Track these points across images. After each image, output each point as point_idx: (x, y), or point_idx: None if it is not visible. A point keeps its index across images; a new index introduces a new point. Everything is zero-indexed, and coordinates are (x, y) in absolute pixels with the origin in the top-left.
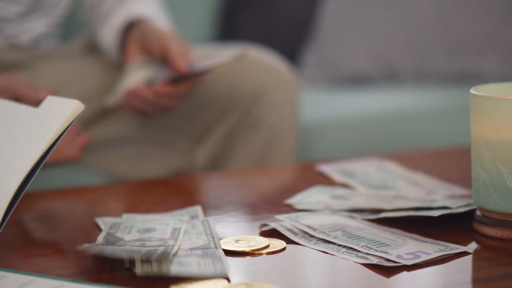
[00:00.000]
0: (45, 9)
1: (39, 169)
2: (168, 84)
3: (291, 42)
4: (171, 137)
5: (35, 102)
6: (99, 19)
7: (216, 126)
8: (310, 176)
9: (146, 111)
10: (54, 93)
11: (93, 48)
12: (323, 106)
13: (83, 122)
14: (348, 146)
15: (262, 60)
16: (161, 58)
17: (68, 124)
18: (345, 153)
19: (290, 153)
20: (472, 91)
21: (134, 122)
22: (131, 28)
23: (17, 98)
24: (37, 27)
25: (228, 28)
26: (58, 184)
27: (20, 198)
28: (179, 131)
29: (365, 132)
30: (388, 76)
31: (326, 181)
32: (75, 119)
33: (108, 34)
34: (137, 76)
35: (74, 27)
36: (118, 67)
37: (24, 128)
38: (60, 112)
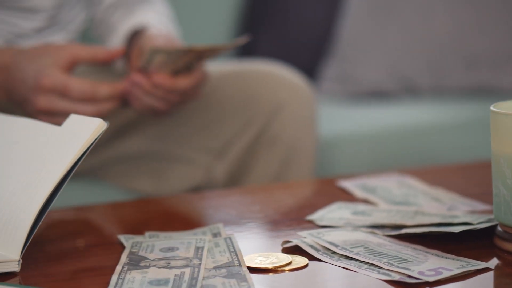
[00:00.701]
0: (62, 24)
1: (63, 187)
2: (164, 74)
3: (309, 57)
4: (191, 153)
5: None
6: (108, 32)
7: (235, 140)
8: (331, 192)
9: (147, 103)
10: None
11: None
12: (341, 120)
13: (103, 138)
14: (367, 160)
15: (280, 74)
16: None
17: (91, 142)
18: (364, 167)
19: (308, 167)
20: (492, 108)
21: (153, 137)
22: (135, 36)
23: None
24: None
25: (247, 44)
26: (79, 199)
27: (44, 217)
28: (199, 146)
29: (383, 146)
30: (406, 91)
31: (347, 196)
32: (98, 137)
33: (114, 44)
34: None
35: (90, 42)
36: None
37: (48, 146)
38: (83, 130)
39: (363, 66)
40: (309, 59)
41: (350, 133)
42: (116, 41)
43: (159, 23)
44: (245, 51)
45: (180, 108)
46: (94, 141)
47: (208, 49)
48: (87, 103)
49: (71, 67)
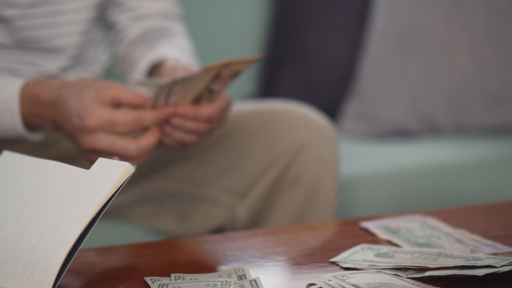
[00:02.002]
0: (86, 63)
1: (90, 231)
2: (186, 104)
3: (331, 95)
4: (214, 193)
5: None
6: (130, 68)
7: (257, 181)
8: (354, 233)
9: (178, 138)
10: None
11: None
12: (363, 159)
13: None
14: (388, 199)
15: (301, 113)
16: None
17: (119, 186)
18: (385, 206)
19: (330, 207)
20: None
21: (177, 178)
22: (154, 70)
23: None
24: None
25: (269, 84)
26: (103, 239)
27: (72, 259)
28: (222, 187)
29: (405, 185)
30: (428, 129)
31: (370, 238)
32: (125, 181)
33: (135, 77)
34: None
35: (114, 79)
36: None
37: (76, 189)
38: (110, 174)
39: (384, 104)
40: (331, 97)
41: (372, 172)
42: (137, 76)
43: (178, 55)
44: (267, 89)
45: (208, 136)
46: (122, 184)
47: (225, 65)
48: (130, 141)
49: (112, 107)
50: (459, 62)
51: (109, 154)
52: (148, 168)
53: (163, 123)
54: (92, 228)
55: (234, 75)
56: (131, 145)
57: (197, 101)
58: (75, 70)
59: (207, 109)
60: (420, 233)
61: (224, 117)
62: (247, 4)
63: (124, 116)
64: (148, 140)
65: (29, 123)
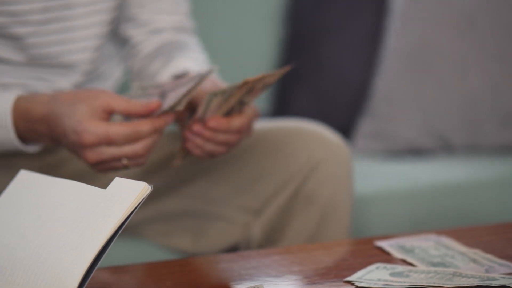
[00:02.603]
0: (101, 78)
1: (107, 251)
2: (221, 117)
3: (345, 113)
4: (229, 211)
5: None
6: (148, 81)
7: (272, 199)
8: (369, 252)
9: (208, 150)
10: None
11: None
12: (376, 177)
13: None
14: (402, 217)
15: (316, 132)
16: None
17: (135, 206)
18: (399, 224)
19: (345, 225)
20: None
21: (192, 196)
22: None
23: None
24: None
25: (283, 102)
26: (117, 256)
27: (89, 279)
28: (237, 206)
29: (419, 204)
30: (442, 148)
31: (385, 257)
32: (142, 201)
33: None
34: None
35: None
36: (172, 137)
37: (92, 209)
38: (127, 193)
39: (398, 123)
40: (345, 116)
41: (386, 190)
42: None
43: (198, 68)
44: (281, 107)
45: (237, 146)
46: (138, 204)
47: (260, 78)
48: (134, 143)
49: (107, 117)
50: (472, 81)
51: (117, 160)
52: (162, 186)
53: (158, 131)
54: (108, 248)
55: (265, 87)
56: (137, 145)
57: (228, 113)
58: (89, 86)
59: (238, 121)
60: (434, 253)
61: (251, 128)
62: (261, 22)
63: (120, 130)
64: (152, 139)
65: (26, 137)
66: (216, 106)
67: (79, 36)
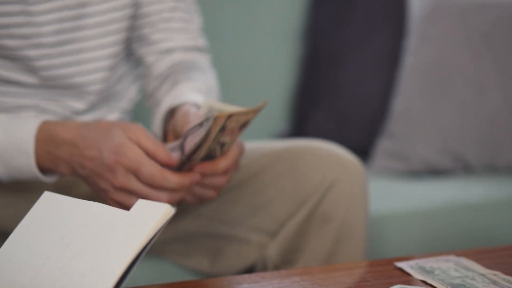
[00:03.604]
0: (114, 98)
1: (130, 273)
2: (204, 162)
3: (363, 133)
4: (246, 232)
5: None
6: (155, 106)
7: (288, 219)
8: (389, 273)
9: (198, 195)
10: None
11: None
12: (393, 197)
13: None
14: (419, 237)
15: (331, 152)
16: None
17: (159, 228)
18: (416, 245)
19: (360, 245)
20: None
21: (210, 217)
22: (171, 114)
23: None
24: (103, 117)
25: (301, 121)
26: (137, 275)
27: None
28: (254, 227)
29: (436, 223)
30: (459, 167)
31: (405, 278)
32: (165, 223)
33: (157, 124)
34: None
35: (145, 115)
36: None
37: (116, 230)
38: (151, 216)
39: (415, 142)
40: (363, 135)
41: (403, 210)
42: (157, 119)
43: (195, 98)
44: (298, 127)
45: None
46: (162, 226)
47: (226, 116)
48: (159, 192)
49: None
50: (489, 101)
51: (139, 196)
52: (180, 207)
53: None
54: (132, 270)
55: (243, 126)
56: (163, 196)
57: (211, 156)
58: (103, 105)
59: (223, 163)
60: (455, 274)
61: (239, 165)
62: (280, 40)
63: (149, 168)
64: (178, 196)
65: (42, 162)
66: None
67: (91, 57)
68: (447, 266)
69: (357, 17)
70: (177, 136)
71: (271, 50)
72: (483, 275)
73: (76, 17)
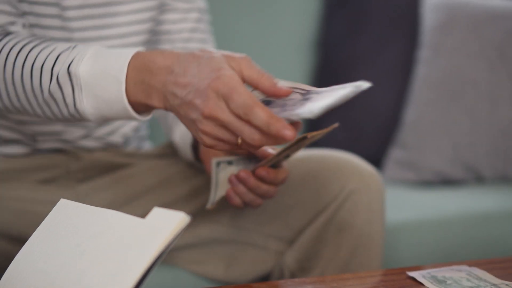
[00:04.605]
0: None
1: (145, 281)
2: (269, 168)
3: (375, 142)
4: (263, 240)
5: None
6: (171, 121)
7: (305, 228)
8: (402, 282)
9: (247, 200)
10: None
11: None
12: (406, 206)
13: None
14: (432, 247)
15: (349, 162)
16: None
17: (174, 236)
18: (429, 254)
19: (377, 255)
20: None
21: (226, 224)
22: None
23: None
24: (122, 130)
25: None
26: (149, 283)
27: None
28: (271, 234)
29: (448, 233)
30: (471, 177)
31: (417, 287)
32: (180, 231)
33: (180, 132)
34: (227, 176)
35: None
36: (201, 169)
37: (132, 238)
38: (166, 224)
39: (427, 152)
40: (375, 145)
41: (415, 220)
42: (181, 131)
43: None
44: None
45: (267, 198)
46: (177, 235)
47: (311, 137)
48: (250, 126)
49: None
50: (501, 111)
51: (228, 128)
52: (195, 214)
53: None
54: (147, 278)
55: (310, 143)
56: (255, 135)
57: (274, 165)
58: (118, 122)
59: (283, 174)
60: (467, 284)
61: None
62: (292, 51)
63: (242, 96)
64: (269, 149)
65: (134, 93)
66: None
67: None
68: (459, 276)
69: (370, 28)
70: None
71: (284, 61)
72: (495, 285)
73: (101, 26)
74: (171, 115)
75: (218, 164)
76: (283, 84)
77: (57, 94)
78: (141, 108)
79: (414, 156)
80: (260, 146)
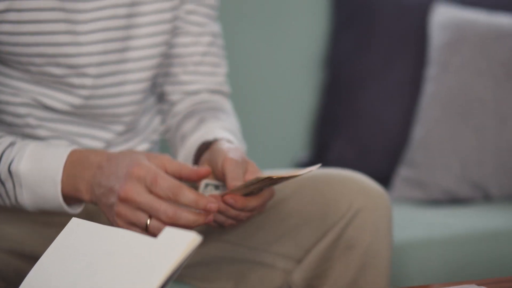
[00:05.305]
0: (137, 131)
1: None
2: (239, 196)
3: (383, 160)
4: (271, 258)
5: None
6: (176, 142)
7: (313, 246)
8: None
9: (218, 220)
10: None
11: None
12: (413, 225)
13: None
14: (439, 265)
15: (357, 180)
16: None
17: (186, 256)
18: (436, 273)
19: (385, 273)
20: None
21: (234, 242)
22: (203, 147)
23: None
24: (135, 147)
25: (321, 148)
26: None
27: None
28: (279, 253)
29: (457, 251)
30: (479, 196)
31: None
32: (192, 251)
33: (184, 156)
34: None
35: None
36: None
37: (143, 258)
38: (177, 244)
39: (435, 171)
40: (383, 163)
41: (423, 238)
42: (186, 155)
43: (228, 135)
44: (319, 154)
45: (238, 223)
46: (189, 254)
47: (283, 177)
48: (169, 204)
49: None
50: (510, 129)
51: (143, 209)
52: (204, 232)
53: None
54: None
55: (285, 179)
56: (171, 209)
57: (246, 194)
58: (126, 136)
59: (253, 202)
60: None
61: (264, 207)
62: (300, 69)
63: (167, 180)
64: (188, 216)
65: (66, 187)
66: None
67: (128, 90)
68: None
69: (378, 45)
70: (213, 168)
71: (292, 78)
72: None
73: (120, 49)
74: (177, 138)
75: (206, 186)
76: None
77: (1, 189)
78: (72, 201)
79: (422, 174)
80: (170, 223)
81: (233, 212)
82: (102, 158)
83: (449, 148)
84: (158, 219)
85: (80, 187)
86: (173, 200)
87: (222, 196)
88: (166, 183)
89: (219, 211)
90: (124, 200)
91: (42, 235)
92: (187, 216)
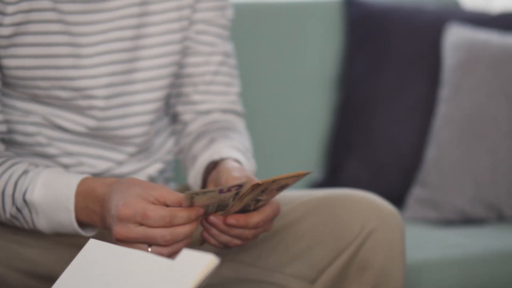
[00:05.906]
0: (149, 153)
1: None
2: (239, 214)
3: (397, 181)
4: (285, 279)
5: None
6: (187, 162)
7: (327, 267)
8: None
9: (222, 241)
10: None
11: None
12: (427, 245)
13: None
14: (454, 286)
15: (370, 201)
16: None
17: (203, 278)
18: None
19: None
20: None
21: (248, 263)
22: (211, 165)
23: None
24: (146, 171)
25: (335, 169)
26: None
27: None
28: (292, 274)
29: (471, 272)
30: (493, 216)
31: None
32: (209, 273)
33: (193, 177)
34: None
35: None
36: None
37: (160, 280)
38: (195, 266)
39: (449, 191)
40: (397, 183)
41: (437, 258)
42: (195, 176)
43: (235, 155)
44: (333, 174)
45: (253, 240)
46: (206, 276)
47: (272, 181)
48: (163, 228)
49: (157, 204)
50: None
51: (142, 243)
52: (217, 253)
53: (197, 221)
54: None
55: (281, 188)
56: (166, 231)
57: (244, 210)
58: (142, 157)
59: (255, 218)
60: None
61: (271, 224)
62: (313, 89)
63: (157, 211)
64: (184, 228)
65: (81, 216)
66: (235, 204)
67: (137, 111)
68: None
69: (391, 66)
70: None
71: (305, 99)
72: None
73: (127, 71)
74: (189, 159)
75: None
76: None
77: (18, 215)
78: (87, 226)
79: (436, 195)
80: (171, 243)
81: (236, 230)
82: (106, 190)
83: (462, 168)
84: (157, 245)
85: (94, 218)
86: (169, 226)
87: (224, 218)
88: (157, 214)
89: (222, 231)
90: (120, 240)
91: (58, 255)
92: (184, 229)
